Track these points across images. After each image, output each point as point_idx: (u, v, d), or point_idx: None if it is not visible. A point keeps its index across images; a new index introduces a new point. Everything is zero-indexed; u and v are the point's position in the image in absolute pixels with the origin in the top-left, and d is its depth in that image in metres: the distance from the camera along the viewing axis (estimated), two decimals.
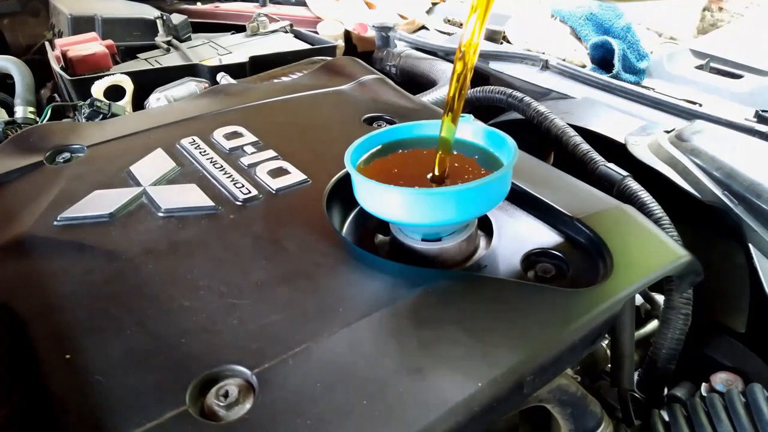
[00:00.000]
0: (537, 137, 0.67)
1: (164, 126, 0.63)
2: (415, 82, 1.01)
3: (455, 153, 0.44)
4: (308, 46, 1.07)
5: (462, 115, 0.46)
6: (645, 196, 0.53)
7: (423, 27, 1.27)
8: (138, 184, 0.50)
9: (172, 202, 0.48)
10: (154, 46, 1.10)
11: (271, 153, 0.55)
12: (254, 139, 0.58)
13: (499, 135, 0.44)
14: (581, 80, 0.86)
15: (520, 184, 0.49)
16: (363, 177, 0.39)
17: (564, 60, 0.95)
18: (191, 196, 0.49)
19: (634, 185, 0.55)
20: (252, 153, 0.56)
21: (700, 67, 0.92)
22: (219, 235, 0.44)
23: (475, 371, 0.32)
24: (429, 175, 0.43)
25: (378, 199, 0.40)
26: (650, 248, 0.42)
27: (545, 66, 0.94)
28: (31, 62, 1.01)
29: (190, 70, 0.94)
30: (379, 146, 0.46)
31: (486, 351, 0.33)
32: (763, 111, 0.69)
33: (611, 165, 0.59)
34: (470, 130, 0.45)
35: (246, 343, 0.34)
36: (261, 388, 0.31)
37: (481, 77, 1.02)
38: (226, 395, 0.30)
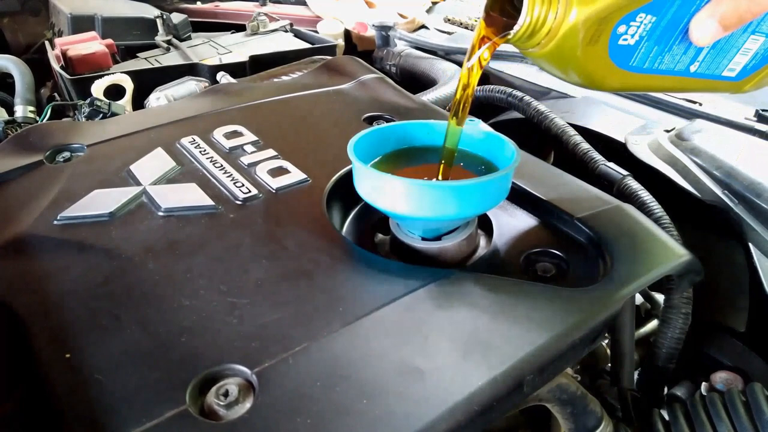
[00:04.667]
0: (537, 136, 0.67)
1: (164, 125, 0.63)
2: (415, 81, 1.01)
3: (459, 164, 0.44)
4: (308, 45, 1.07)
5: (471, 118, 0.46)
6: (645, 195, 0.53)
7: (423, 26, 1.26)
8: (138, 183, 0.50)
9: (172, 202, 0.48)
10: (154, 46, 1.10)
11: (271, 152, 0.55)
12: (254, 138, 0.58)
13: (501, 139, 0.44)
14: None
15: (520, 183, 0.49)
16: (366, 166, 0.39)
17: None
18: (191, 196, 0.49)
19: (634, 184, 0.55)
20: (252, 152, 0.56)
21: None
22: (219, 234, 0.44)
23: (475, 371, 0.32)
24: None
25: (379, 189, 0.40)
26: (650, 247, 0.42)
27: None
28: (31, 61, 1.00)
29: (190, 70, 0.94)
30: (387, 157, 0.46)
31: (486, 350, 0.33)
32: (763, 110, 0.69)
33: (611, 164, 0.59)
34: (472, 136, 0.46)
35: (246, 342, 0.34)
36: (261, 388, 0.31)
37: (481, 76, 1.01)
38: (226, 394, 0.30)
